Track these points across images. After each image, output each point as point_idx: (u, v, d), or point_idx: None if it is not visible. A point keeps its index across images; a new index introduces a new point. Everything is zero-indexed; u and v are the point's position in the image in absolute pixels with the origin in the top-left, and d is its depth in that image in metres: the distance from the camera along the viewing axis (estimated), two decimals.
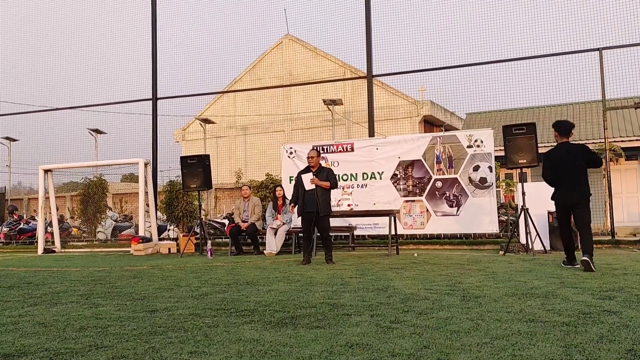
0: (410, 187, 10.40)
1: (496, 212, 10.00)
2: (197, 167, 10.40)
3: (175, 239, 12.23)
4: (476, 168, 9.94)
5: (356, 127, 19.49)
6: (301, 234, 8.47)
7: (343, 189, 10.16)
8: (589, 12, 10.89)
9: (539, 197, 8.16)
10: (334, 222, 9.05)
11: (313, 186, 7.50)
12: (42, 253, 11.77)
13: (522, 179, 8.75)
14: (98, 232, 14.53)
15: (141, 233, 11.29)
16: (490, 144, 9.95)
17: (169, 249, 11.25)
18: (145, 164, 11.60)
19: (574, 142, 6.54)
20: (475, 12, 12.21)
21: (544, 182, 6.64)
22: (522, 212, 8.12)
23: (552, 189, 6.51)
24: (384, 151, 10.61)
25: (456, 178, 10.07)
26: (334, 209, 8.45)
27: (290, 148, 11.36)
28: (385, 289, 4.63)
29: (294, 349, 2.65)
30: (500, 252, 8.52)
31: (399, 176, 10.49)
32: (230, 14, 15.05)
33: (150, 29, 13.31)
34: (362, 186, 10.68)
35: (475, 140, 10.01)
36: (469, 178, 9.97)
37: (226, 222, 13.34)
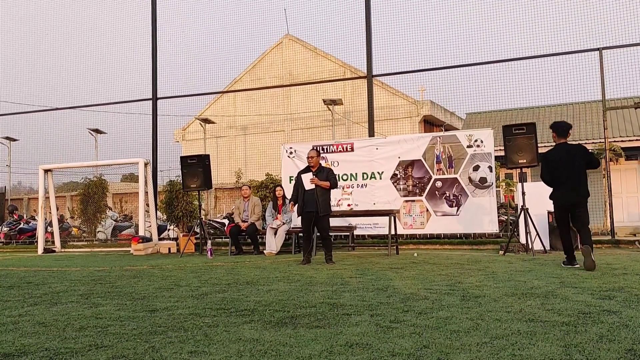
0: (410, 187, 10.40)
1: (496, 212, 10.00)
2: (197, 167, 10.41)
3: (175, 239, 12.23)
4: (476, 168, 9.95)
5: (356, 127, 19.50)
6: (301, 234, 8.47)
7: (343, 188, 10.16)
8: (589, 12, 10.89)
9: (538, 197, 8.16)
10: (334, 221, 9.05)
11: (313, 186, 7.50)
12: (42, 253, 11.78)
13: (522, 178, 8.76)
14: (98, 232, 14.53)
15: (141, 233, 11.30)
16: (490, 144, 9.96)
17: (169, 248, 11.25)
18: (145, 164, 11.60)
19: (572, 142, 6.58)
20: (475, 12, 12.22)
21: (545, 183, 6.66)
22: (522, 212, 8.12)
23: (551, 189, 6.53)
24: (384, 151, 10.61)
25: (456, 178, 10.07)
26: (333, 208, 8.46)
27: (290, 148, 11.36)
28: (385, 288, 4.63)
29: (293, 348, 2.65)
30: (500, 252, 8.52)
31: (399, 176, 10.49)
32: (230, 14, 15.05)
33: (150, 29, 13.32)
34: (362, 186, 10.69)
35: (475, 140, 10.01)
36: (469, 178, 9.97)
37: (226, 222, 13.35)
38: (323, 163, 9.00)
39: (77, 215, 15.78)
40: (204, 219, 11.92)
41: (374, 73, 11.73)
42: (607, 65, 10.15)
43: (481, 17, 11.95)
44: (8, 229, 14.82)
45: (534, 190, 8.26)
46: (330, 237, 7.83)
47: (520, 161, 8.30)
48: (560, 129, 6.50)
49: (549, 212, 8.65)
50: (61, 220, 14.88)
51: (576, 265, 6.12)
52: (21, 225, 14.92)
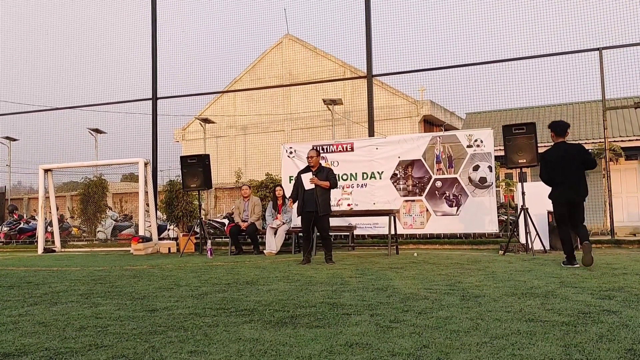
0: (410, 186, 10.40)
1: (496, 212, 10.01)
2: (197, 167, 10.41)
3: (175, 239, 12.24)
4: (476, 168, 9.95)
5: (356, 126, 19.49)
6: (301, 234, 8.47)
7: (343, 188, 10.17)
8: (589, 12, 10.89)
9: (538, 197, 8.16)
10: (334, 221, 9.05)
11: (313, 186, 7.50)
12: (42, 252, 11.77)
13: (522, 178, 8.76)
14: (98, 231, 14.54)
15: (141, 233, 11.30)
16: (490, 144, 9.96)
17: (169, 248, 11.25)
18: (145, 164, 11.60)
19: (570, 142, 6.62)
20: (475, 12, 12.21)
21: (544, 183, 6.69)
22: (522, 211, 8.12)
23: (550, 189, 6.56)
24: (384, 151, 10.61)
25: (456, 178, 10.07)
26: (333, 208, 8.46)
27: (290, 148, 11.36)
28: (385, 288, 4.64)
29: (293, 348, 2.65)
30: (500, 251, 8.52)
31: (398, 176, 10.49)
32: (230, 14, 15.05)
33: (150, 29, 13.32)
34: (362, 186, 10.69)
35: (475, 140, 10.01)
36: (469, 178, 9.98)
37: (226, 221, 13.35)
38: (323, 163, 9.00)
39: (77, 215, 15.78)
40: (204, 219, 11.93)
41: (374, 73, 11.73)
42: (607, 65, 10.15)
43: (481, 17, 11.95)
44: (8, 228, 14.82)
45: (534, 190, 8.26)
46: (330, 237, 7.83)
47: (520, 161, 8.30)
48: (559, 128, 6.55)
49: (548, 212, 8.65)
50: (61, 220, 14.88)
51: (576, 265, 6.12)
52: (21, 225, 14.92)
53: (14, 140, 17.25)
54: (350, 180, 10.74)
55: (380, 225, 10.34)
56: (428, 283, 4.94)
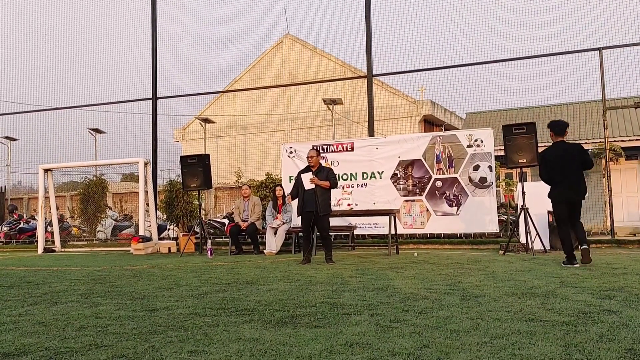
0: (410, 186, 10.40)
1: (496, 212, 10.01)
2: (197, 167, 10.41)
3: (175, 239, 12.24)
4: (476, 167, 9.95)
5: (356, 126, 19.49)
6: (301, 234, 8.47)
7: (343, 188, 10.17)
8: (589, 12, 10.89)
9: (538, 197, 8.16)
10: (334, 221, 9.05)
11: (313, 186, 7.50)
12: (42, 252, 11.77)
13: (522, 178, 8.75)
14: (98, 231, 14.53)
15: (141, 232, 11.30)
16: (490, 144, 9.96)
17: (169, 248, 11.25)
18: (145, 164, 11.60)
19: (569, 141, 6.65)
20: (475, 11, 12.20)
21: (544, 182, 6.71)
22: (522, 211, 8.12)
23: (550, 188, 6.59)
24: (384, 151, 10.61)
25: (456, 177, 10.07)
26: (333, 208, 8.45)
27: (290, 147, 11.36)
28: (385, 288, 4.63)
29: (294, 348, 2.65)
30: (500, 251, 8.51)
31: (399, 176, 10.49)
32: (230, 14, 15.04)
33: (150, 29, 13.31)
34: (362, 186, 10.69)
35: (475, 140, 10.01)
36: (469, 177, 9.97)
37: (226, 221, 13.35)
38: (323, 163, 9.00)
39: (77, 214, 15.78)
40: (204, 219, 11.93)
41: (374, 73, 11.72)
42: (607, 65, 10.15)
43: (481, 17, 11.95)
44: (8, 228, 14.82)
45: (534, 190, 8.26)
46: (330, 237, 7.83)
47: (520, 161, 8.30)
48: (558, 128, 6.60)
49: (549, 212, 8.65)
50: (61, 219, 14.88)
51: (576, 265, 6.13)
52: (21, 225, 14.92)
53: (14, 140, 17.25)
54: (350, 180, 10.74)
55: (380, 225, 10.34)
56: (428, 283, 4.94)
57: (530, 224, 8.02)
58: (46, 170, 12.30)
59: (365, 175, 10.70)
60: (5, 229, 14.85)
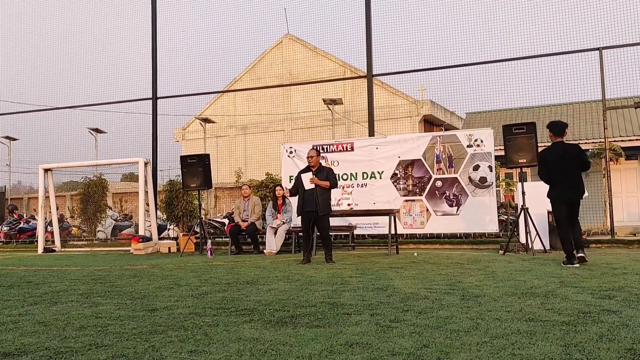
0: (410, 186, 10.40)
1: (496, 212, 10.01)
2: (197, 167, 10.41)
3: (175, 238, 12.24)
4: (476, 167, 9.95)
5: (356, 126, 19.48)
6: (301, 234, 8.47)
7: (343, 188, 10.17)
8: (589, 12, 10.89)
9: (538, 197, 8.16)
10: (334, 221, 9.05)
11: (313, 185, 7.50)
12: (42, 252, 11.77)
13: (522, 178, 8.76)
14: (98, 231, 14.53)
15: (141, 232, 11.30)
16: (490, 144, 9.96)
17: (169, 248, 11.25)
18: (145, 163, 11.60)
19: (568, 142, 6.69)
20: (475, 11, 12.21)
21: (543, 182, 6.73)
22: (522, 211, 8.12)
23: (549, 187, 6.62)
24: (384, 150, 10.61)
25: (456, 177, 10.07)
26: (333, 208, 8.45)
27: (290, 147, 11.36)
28: (385, 288, 4.64)
29: (294, 348, 2.65)
30: (500, 251, 8.51)
31: (399, 176, 10.49)
32: (230, 14, 15.03)
33: (150, 28, 13.31)
34: (362, 185, 10.69)
35: (475, 140, 10.01)
36: (469, 177, 9.97)
37: (226, 221, 13.35)
38: (323, 162, 9.00)
39: (77, 214, 15.78)
40: (204, 219, 11.93)
41: (374, 72, 11.72)
42: (607, 64, 10.15)
43: (481, 17, 11.95)
44: (8, 228, 14.82)
45: (534, 190, 8.26)
46: (330, 237, 7.83)
47: (520, 161, 8.31)
48: (557, 128, 6.64)
49: (548, 212, 8.64)
50: (61, 219, 14.88)
51: (576, 265, 6.13)
52: (21, 225, 14.92)
53: (14, 140, 17.26)
54: (350, 180, 10.74)
55: (380, 225, 10.34)
56: (428, 283, 4.94)
57: (530, 224, 8.02)
58: (46, 170, 12.30)
59: (365, 175, 10.70)
60: (5, 228, 14.85)
